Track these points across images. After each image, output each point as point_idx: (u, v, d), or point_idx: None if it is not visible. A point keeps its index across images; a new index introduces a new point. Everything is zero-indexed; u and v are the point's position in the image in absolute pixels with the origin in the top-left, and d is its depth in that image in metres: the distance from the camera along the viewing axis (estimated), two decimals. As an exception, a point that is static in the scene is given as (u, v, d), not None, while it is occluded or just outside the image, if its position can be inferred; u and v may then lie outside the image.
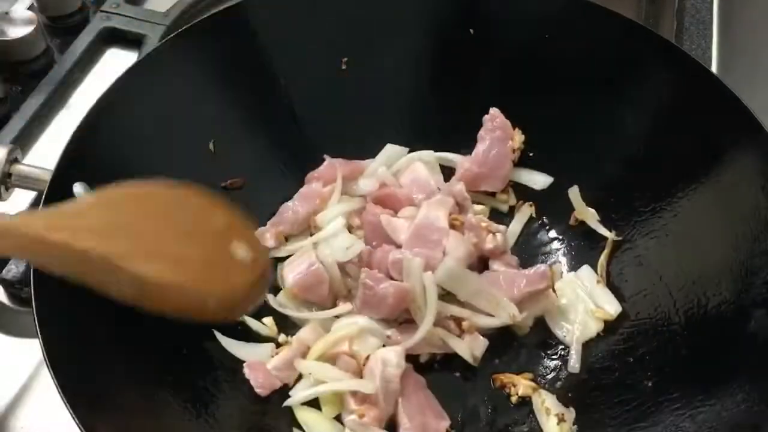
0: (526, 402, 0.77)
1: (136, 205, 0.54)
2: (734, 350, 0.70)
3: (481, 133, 0.89)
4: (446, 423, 0.75)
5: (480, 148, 0.89)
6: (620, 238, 0.84)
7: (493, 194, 0.91)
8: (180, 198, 0.59)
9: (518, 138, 0.89)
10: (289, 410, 0.75)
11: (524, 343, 0.82)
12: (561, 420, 0.74)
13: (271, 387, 0.76)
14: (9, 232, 0.48)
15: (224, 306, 0.59)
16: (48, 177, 0.71)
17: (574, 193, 0.86)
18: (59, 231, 0.48)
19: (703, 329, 0.73)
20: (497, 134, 0.88)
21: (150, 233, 0.53)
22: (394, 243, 0.82)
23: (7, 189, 0.80)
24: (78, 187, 0.71)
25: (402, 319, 0.80)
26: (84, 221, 0.50)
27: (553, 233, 0.89)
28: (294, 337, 0.80)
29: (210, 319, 0.57)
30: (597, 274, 0.84)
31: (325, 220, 0.85)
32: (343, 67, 0.90)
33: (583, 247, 0.87)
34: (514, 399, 0.77)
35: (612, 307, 0.81)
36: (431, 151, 0.92)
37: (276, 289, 0.83)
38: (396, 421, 0.74)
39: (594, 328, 0.81)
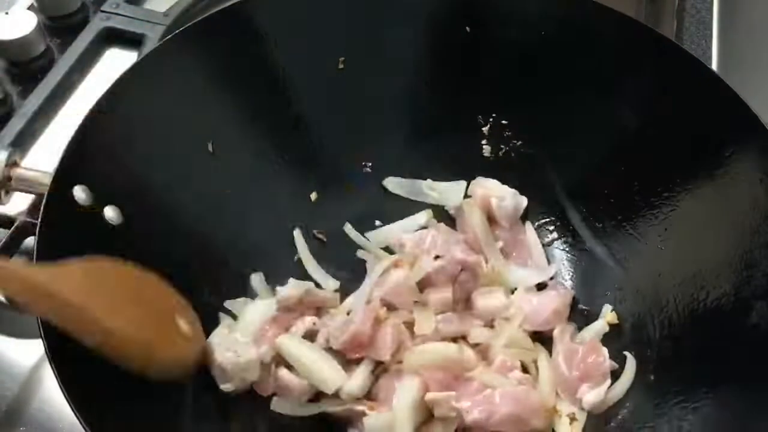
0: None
1: (105, 275, 0.66)
2: (735, 343, 0.70)
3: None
4: None
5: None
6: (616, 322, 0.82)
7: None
8: (136, 273, 0.70)
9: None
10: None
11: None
12: (573, 419, 0.74)
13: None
14: (23, 280, 0.60)
15: (168, 366, 0.69)
16: (48, 180, 0.71)
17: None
18: (58, 285, 0.60)
19: (704, 322, 0.73)
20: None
21: (118, 297, 0.66)
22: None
23: (7, 193, 0.80)
24: (78, 191, 0.72)
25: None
26: (74, 281, 0.62)
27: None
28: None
29: (152, 375, 0.67)
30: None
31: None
32: (341, 66, 0.90)
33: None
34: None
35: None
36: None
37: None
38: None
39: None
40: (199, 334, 0.75)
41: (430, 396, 0.73)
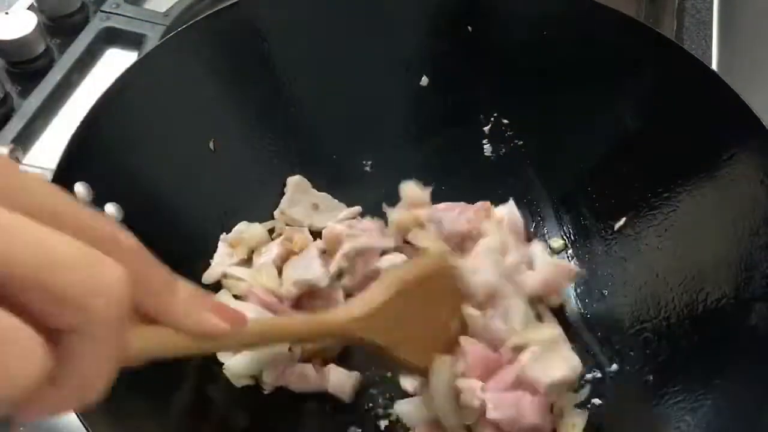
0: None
1: (407, 298, 0.64)
2: (734, 344, 0.70)
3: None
4: None
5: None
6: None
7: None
8: (427, 277, 0.68)
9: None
10: (301, 414, 0.75)
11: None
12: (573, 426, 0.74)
13: None
14: (348, 336, 0.61)
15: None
16: (49, 177, 0.71)
17: None
18: (371, 333, 0.61)
19: (703, 323, 0.73)
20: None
21: (412, 324, 0.64)
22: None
23: (7, 189, 0.80)
24: (79, 187, 0.72)
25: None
26: (385, 322, 0.61)
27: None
28: None
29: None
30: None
31: None
32: (341, 65, 0.90)
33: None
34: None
35: None
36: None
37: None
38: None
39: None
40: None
41: (459, 382, 0.69)
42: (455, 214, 0.80)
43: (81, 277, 0.33)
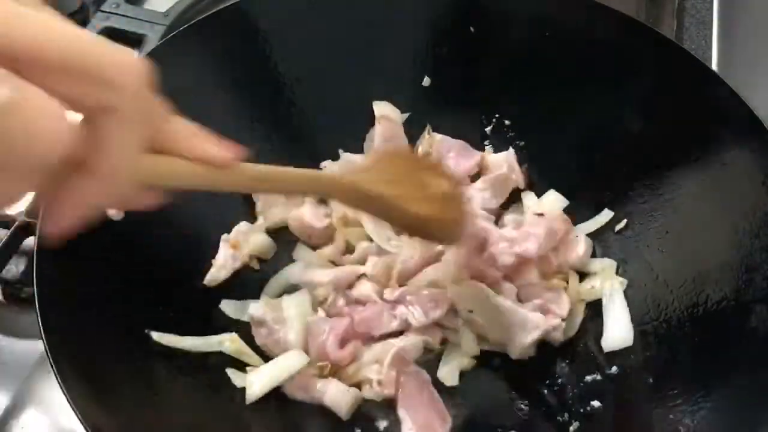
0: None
1: (395, 162, 0.71)
2: (734, 346, 0.70)
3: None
4: (449, 424, 0.75)
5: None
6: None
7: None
8: (405, 154, 0.82)
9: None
10: (299, 410, 0.75)
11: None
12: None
13: None
14: (352, 189, 0.64)
15: (456, 229, 0.76)
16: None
17: None
18: (377, 186, 0.65)
19: (703, 326, 0.73)
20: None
21: (412, 183, 0.69)
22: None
23: (8, 187, 0.80)
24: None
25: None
26: (375, 175, 0.67)
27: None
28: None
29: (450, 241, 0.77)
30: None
31: None
32: (341, 66, 0.90)
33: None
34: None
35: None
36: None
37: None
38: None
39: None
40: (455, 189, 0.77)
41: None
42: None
43: (110, 59, 0.39)
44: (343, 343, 0.77)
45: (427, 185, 0.71)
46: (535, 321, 0.77)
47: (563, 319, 0.79)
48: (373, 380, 0.75)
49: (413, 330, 0.78)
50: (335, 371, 0.76)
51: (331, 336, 0.76)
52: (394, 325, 0.78)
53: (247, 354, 0.77)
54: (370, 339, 0.78)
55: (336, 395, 0.74)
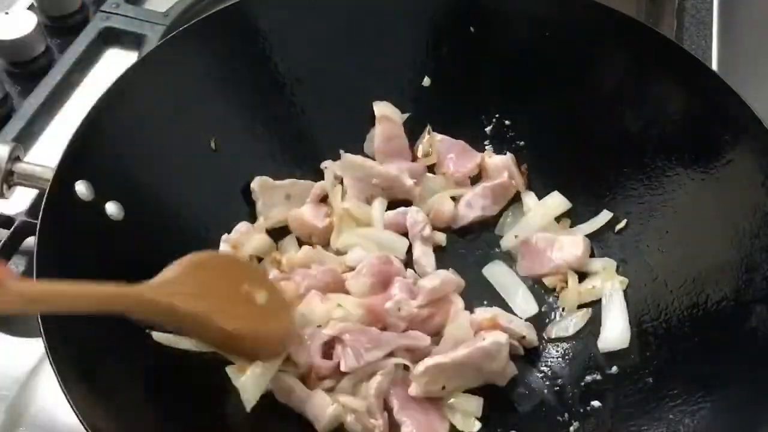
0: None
1: (204, 272, 0.67)
2: (734, 347, 0.70)
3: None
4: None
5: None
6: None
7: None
8: (222, 262, 0.75)
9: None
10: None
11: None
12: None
13: None
14: (139, 300, 0.62)
15: (277, 346, 0.73)
16: (50, 175, 0.71)
17: None
18: (169, 297, 0.63)
19: (704, 326, 0.73)
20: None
21: (221, 295, 0.67)
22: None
23: (9, 187, 0.81)
24: (80, 186, 0.72)
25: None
26: (183, 288, 0.64)
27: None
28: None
29: (265, 359, 0.72)
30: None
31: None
32: (341, 66, 0.90)
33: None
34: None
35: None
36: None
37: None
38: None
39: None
40: (287, 299, 0.75)
41: None
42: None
43: None
44: (326, 353, 0.75)
45: (241, 297, 0.68)
46: (494, 345, 0.74)
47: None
48: (357, 410, 0.73)
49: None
50: (320, 380, 0.75)
51: (315, 343, 0.75)
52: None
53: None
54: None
55: (318, 406, 0.73)
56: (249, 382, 0.72)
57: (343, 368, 0.74)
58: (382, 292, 0.79)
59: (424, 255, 0.85)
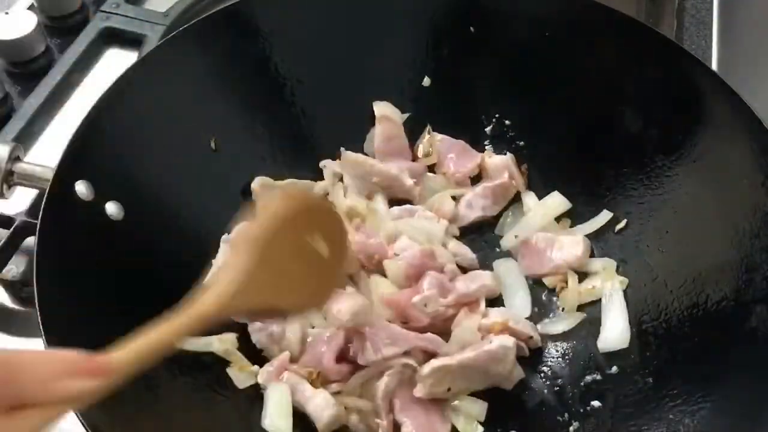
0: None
1: (269, 251, 0.60)
2: (734, 347, 0.70)
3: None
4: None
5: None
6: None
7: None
8: (289, 217, 0.64)
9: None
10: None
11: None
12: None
13: None
14: (206, 320, 0.57)
15: (322, 300, 0.71)
16: (50, 175, 0.71)
17: None
18: (239, 299, 0.58)
19: (704, 326, 0.73)
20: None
21: (289, 269, 0.62)
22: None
23: (9, 187, 0.81)
24: (80, 185, 0.72)
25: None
26: (250, 288, 0.58)
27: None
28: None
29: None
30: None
31: None
32: (341, 66, 0.90)
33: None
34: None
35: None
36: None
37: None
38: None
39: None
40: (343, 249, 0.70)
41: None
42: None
43: None
44: (339, 359, 0.75)
45: (306, 257, 0.64)
46: (501, 348, 0.74)
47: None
48: (362, 410, 0.73)
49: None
50: (324, 382, 0.75)
51: (330, 348, 0.75)
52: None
53: (234, 355, 0.76)
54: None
55: (320, 405, 0.72)
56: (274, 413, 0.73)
57: (360, 361, 0.74)
58: (415, 282, 0.80)
59: (457, 246, 0.86)
